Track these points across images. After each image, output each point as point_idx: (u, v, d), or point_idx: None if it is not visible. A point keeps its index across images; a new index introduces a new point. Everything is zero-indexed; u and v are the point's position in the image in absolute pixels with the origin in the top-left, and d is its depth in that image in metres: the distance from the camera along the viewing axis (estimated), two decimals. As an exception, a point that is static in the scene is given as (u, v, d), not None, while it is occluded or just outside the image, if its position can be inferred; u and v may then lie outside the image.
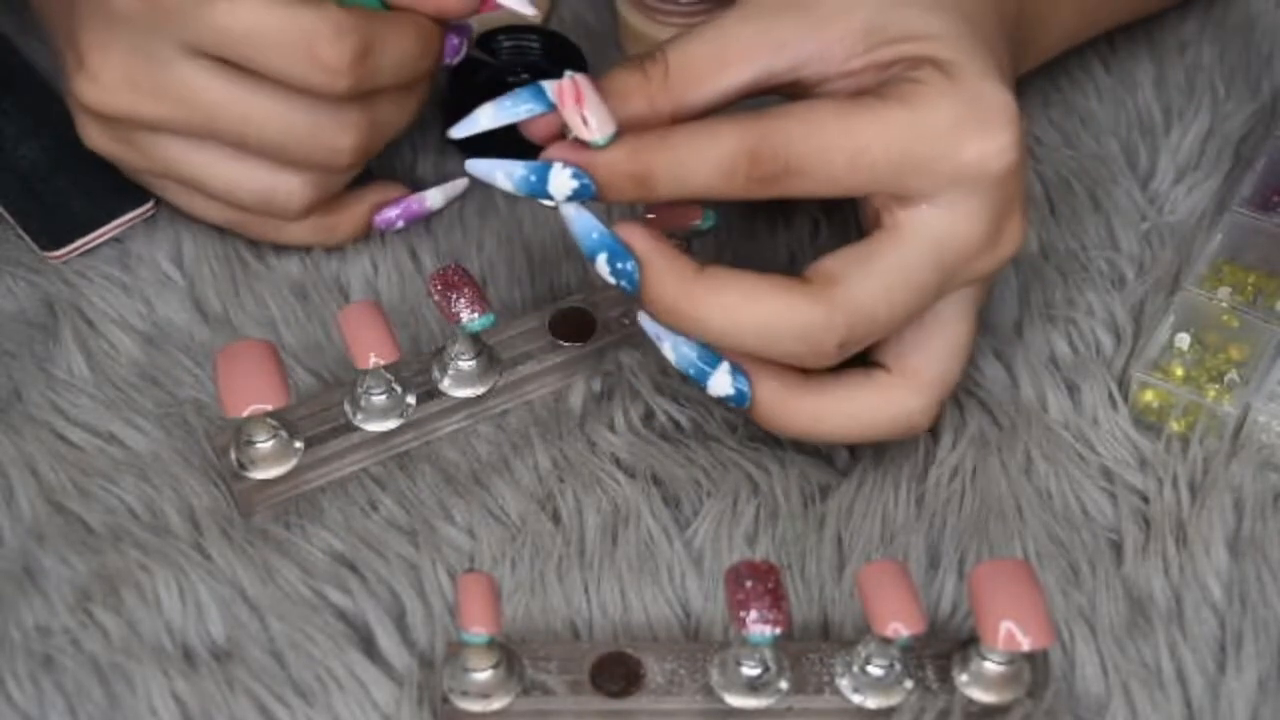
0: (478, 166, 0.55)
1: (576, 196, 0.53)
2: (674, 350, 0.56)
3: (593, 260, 0.54)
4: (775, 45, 0.54)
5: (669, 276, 0.54)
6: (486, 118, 0.54)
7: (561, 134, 0.54)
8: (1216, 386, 0.61)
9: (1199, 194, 0.69)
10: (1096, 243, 0.67)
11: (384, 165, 0.70)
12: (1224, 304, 0.63)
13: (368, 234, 0.66)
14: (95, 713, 0.55)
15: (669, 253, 0.54)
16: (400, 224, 0.66)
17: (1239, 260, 0.65)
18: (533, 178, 0.54)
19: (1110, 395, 0.62)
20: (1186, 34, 0.74)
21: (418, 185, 0.69)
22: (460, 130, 0.55)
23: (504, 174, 0.54)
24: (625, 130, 0.53)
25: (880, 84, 0.54)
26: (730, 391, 0.56)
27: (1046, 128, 0.71)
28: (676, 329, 0.55)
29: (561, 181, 0.53)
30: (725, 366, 0.55)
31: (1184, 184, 0.69)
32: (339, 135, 0.60)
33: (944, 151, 0.53)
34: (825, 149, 0.52)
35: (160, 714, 0.55)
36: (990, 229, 0.54)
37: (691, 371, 0.56)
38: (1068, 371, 0.63)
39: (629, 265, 0.54)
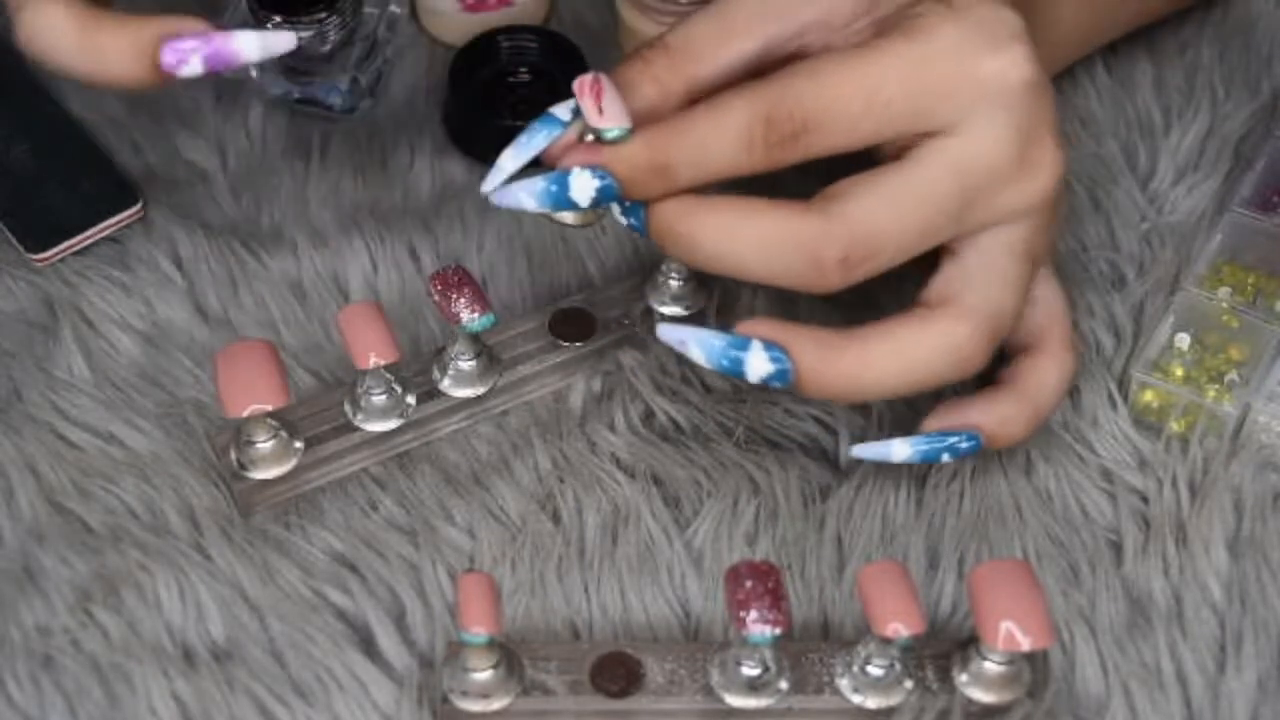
0: (503, 198, 0.54)
1: (601, 198, 0.53)
2: (701, 348, 0.54)
3: (605, 205, 0.54)
4: (776, 14, 0.54)
5: (670, 204, 0.53)
6: (510, 162, 0.54)
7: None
8: (1216, 386, 0.61)
9: (1199, 194, 0.69)
10: (1096, 243, 0.67)
11: (380, 163, 0.70)
12: (1224, 304, 0.63)
13: (159, 79, 0.54)
14: (95, 713, 0.55)
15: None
16: (200, 67, 0.54)
17: (1239, 260, 0.65)
18: (554, 188, 0.53)
19: (1110, 396, 0.62)
20: (1186, 35, 0.74)
21: (408, 181, 0.69)
22: (491, 183, 0.54)
23: (526, 194, 0.53)
24: (642, 122, 0.52)
25: (880, 28, 0.53)
26: (771, 369, 0.53)
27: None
28: (680, 256, 0.54)
29: (583, 184, 0.53)
30: (757, 346, 0.53)
31: (1184, 184, 0.69)
32: None
33: (958, 74, 0.52)
34: (839, 96, 0.52)
35: (160, 714, 0.55)
36: (1016, 151, 0.53)
37: (725, 363, 0.53)
38: (1068, 372, 0.63)
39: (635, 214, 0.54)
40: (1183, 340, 0.63)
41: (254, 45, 0.54)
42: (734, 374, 0.54)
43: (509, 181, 0.54)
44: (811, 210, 0.52)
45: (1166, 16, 0.73)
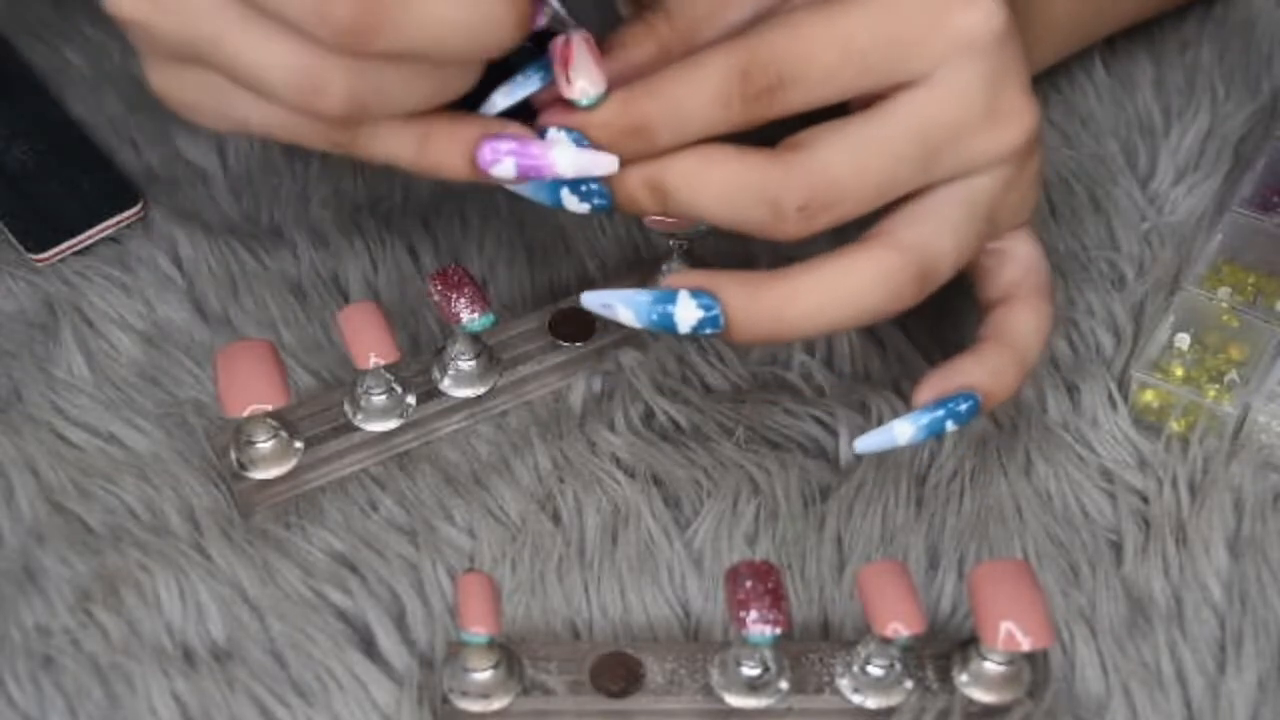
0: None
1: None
2: (629, 307, 0.54)
3: (559, 203, 0.54)
4: None
5: (634, 168, 0.53)
6: (502, 99, 0.54)
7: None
8: (1216, 386, 0.61)
9: (1199, 194, 0.69)
10: (1096, 243, 0.67)
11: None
12: (1224, 304, 0.63)
13: (472, 175, 0.53)
14: (95, 713, 0.55)
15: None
16: (513, 171, 0.53)
17: (1239, 260, 0.65)
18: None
19: (1110, 395, 0.62)
20: (1186, 34, 0.74)
21: (408, 181, 0.69)
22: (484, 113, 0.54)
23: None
24: (637, 78, 0.52)
25: None
26: (700, 315, 0.52)
27: (1046, 128, 0.70)
28: (652, 208, 0.53)
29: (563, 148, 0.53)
30: (684, 295, 0.53)
31: (1184, 184, 0.69)
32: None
33: (931, 24, 0.52)
34: (813, 46, 0.51)
35: (160, 714, 0.55)
36: (985, 102, 0.53)
37: (655, 318, 0.53)
38: (1067, 372, 0.63)
39: (593, 183, 0.53)
40: (1183, 340, 0.63)
41: (569, 162, 0.53)
42: (665, 328, 0.53)
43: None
44: (773, 159, 0.52)
45: (1165, 12, 0.73)
